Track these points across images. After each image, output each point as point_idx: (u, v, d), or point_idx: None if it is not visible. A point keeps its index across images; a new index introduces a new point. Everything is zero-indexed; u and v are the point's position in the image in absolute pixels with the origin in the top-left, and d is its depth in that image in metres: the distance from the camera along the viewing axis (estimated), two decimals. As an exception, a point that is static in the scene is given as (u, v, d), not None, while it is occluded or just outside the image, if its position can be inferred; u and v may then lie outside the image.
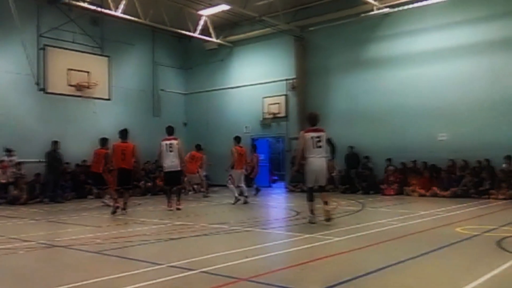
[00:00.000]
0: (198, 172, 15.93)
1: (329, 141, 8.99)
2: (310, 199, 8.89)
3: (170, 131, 12.08)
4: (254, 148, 17.52)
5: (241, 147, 13.67)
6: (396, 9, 16.35)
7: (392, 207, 12.44)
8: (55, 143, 15.09)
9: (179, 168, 11.92)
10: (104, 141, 13.24)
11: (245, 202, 13.14)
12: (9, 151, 15.32)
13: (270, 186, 20.79)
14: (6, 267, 5.90)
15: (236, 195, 13.21)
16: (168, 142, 11.82)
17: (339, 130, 16.68)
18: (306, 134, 8.82)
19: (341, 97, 18.20)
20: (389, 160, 16.41)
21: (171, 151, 11.74)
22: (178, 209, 11.68)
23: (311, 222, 8.80)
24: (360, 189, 16.47)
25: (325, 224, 8.67)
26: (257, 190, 16.40)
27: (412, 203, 13.30)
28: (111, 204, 11.93)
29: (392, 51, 17.02)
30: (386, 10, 16.45)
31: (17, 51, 14.96)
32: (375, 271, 5.16)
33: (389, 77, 17.02)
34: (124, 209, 11.24)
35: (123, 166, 11.15)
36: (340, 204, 12.41)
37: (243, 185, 13.55)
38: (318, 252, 6.36)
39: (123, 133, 11.37)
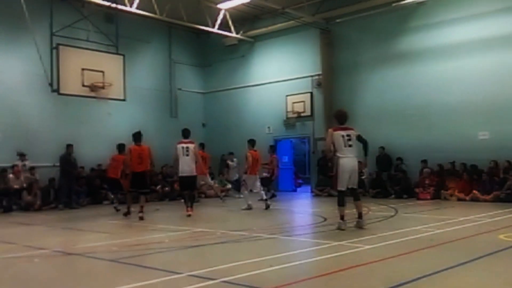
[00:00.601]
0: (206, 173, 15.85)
1: (360, 138, 9.00)
2: (342, 203, 8.87)
3: (186, 134, 12.31)
4: (272, 149, 17.51)
5: (255, 150, 13.77)
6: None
7: (428, 212, 12.27)
8: (69, 146, 15.39)
9: (194, 173, 12.14)
10: (122, 147, 13.54)
11: (267, 207, 13.15)
12: (22, 155, 15.69)
13: (294, 191, 20.76)
14: (21, 276, 6.04)
15: (249, 202, 13.26)
16: (184, 145, 12.02)
17: (369, 130, 16.46)
18: (336, 132, 8.82)
19: (371, 94, 18.05)
20: (424, 161, 16.19)
21: (187, 155, 11.96)
22: (189, 215, 11.77)
23: (340, 229, 8.75)
24: (392, 193, 16.31)
25: (355, 230, 8.62)
26: (272, 195, 16.42)
27: (450, 208, 13.09)
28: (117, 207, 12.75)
29: (426, 43, 16.79)
30: (420, -2, 16.26)
31: (29, 51, 15.30)
32: (409, 282, 5.10)
33: (424, 71, 16.78)
34: (140, 212, 11.41)
35: (140, 170, 11.47)
36: (371, 210, 12.31)
37: (260, 190, 13.66)
38: (347, 261, 6.32)
39: (138, 136, 11.71)
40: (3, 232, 10.05)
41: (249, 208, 13.16)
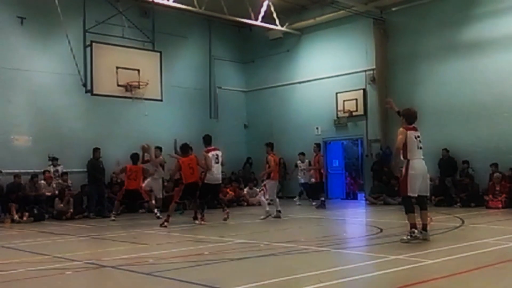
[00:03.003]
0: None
1: None
2: (412, 209, 8.66)
3: (210, 140, 13.07)
4: (318, 147, 17.35)
5: (274, 154, 14.09)
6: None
7: (500, 223, 11.86)
8: (96, 150, 15.66)
9: (220, 181, 13.27)
10: (136, 157, 14.34)
11: (278, 217, 13.44)
12: (54, 160, 16.17)
13: (349, 198, 20.50)
14: (51, 289, 6.20)
15: (267, 209, 13.47)
16: (214, 153, 12.81)
17: (431, 130, 16.18)
18: (409, 131, 8.74)
19: (432, 90, 17.62)
20: (494, 165, 15.68)
21: (217, 162, 12.75)
22: (203, 223, 12.52)
23: (413, 238, 8.43)
24: (458, 201, 15.86)
25: (416, 243, 8.39)
26: (322, 204, 16.29)
27: (526, 218, 12.62)
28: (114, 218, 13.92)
29: (496, 32, 16.26)
30: (488, -19, 15.78)
31: (61, 49, 15.82)
32: (479, 302, 4.90)
33: (493, 63, 16.27)
34: (202, 218, 12.66)
35: (193, 180, 12.50)
36: (434, 219, 11.99)
37: (276, 197, 13.99)
38: (408, 277, 6.15)
39: (185, 149, 12.69)
40: (34, 243, 10.36)
41: (269, 215, 13.35)
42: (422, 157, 8.81)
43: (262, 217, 13.35)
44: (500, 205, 14.82)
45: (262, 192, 13.78)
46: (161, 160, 15.62)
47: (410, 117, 8.98)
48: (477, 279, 6.11)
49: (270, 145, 14.21)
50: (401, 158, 8.75)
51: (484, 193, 15.56)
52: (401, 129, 8.84)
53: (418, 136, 8.80)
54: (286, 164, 19.86)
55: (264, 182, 13.79)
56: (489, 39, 16.40)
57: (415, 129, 8.87)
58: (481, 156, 16.14)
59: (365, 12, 18.71)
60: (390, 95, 18.36)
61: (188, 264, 7.38)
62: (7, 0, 16.69)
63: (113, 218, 14.08)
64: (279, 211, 13.63)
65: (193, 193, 12.72)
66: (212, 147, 12.91)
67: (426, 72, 17.85)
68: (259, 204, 17.41)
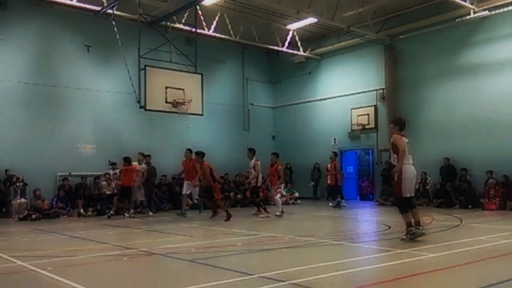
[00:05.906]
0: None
1: None
2: (406, 209, 8.27)
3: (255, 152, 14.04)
4: (335, 155, 17.23)
5: (279, 163, 14.17)
6: (495, 12, 15.37)
7: (494, 222, 11.60)
8: (146, 157, 15.69)
9: None
10: (129, 160, 14.29)
11: (282, 213, 13.71)
12: (113, 164, 16.56)
13: (367, 199, 20.26)
14: (112, 272, 6.41)
15: (281, 208, 13.74)
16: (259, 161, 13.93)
17: (434, 142, 16.03)
18: (402, 138, 8.47)
19: (435, 107, 17.38)
20: (490, 172, 15.33)
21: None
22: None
23: (412, 235, 8.11)
24: (457, 203, 15.57)
25: (419, 239, 8.31)
26: (338, 204, 16.30)
27: (517, 219, 12.31)
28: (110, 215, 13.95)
29: (492, 56, 15.97)
30: (485, 13, 15.52)
31: (120, 72, 16.22)
32: (474, 291, 4.86)
33: (489, 84, 15.96)
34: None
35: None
36: (435, 219, 11.83)
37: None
38: (412, 268, 6.13)
39: (203, 155, 13.51)
40: (98, 233, 10.66)
41: (282, 212, 13.60)
42: (412, 162, 8.46)
43: (278, 213, 13.45)
44: (494, 207, 14.48)
45: (279, 194, 13.82)
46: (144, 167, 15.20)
47: (402, 125, 8.69)
48: (473, 270, 6.04)
49: (277, 155, 14.24)
50: (395, 162, 8.37)
51: (480, 196, 15.20)
52: (396, 135, 8.49)
53: (408, 142, 8.51)
54: (320, 169, 19.91)
55: (278, 186, 13.74)
56: (485, 64, 16.10)
57: (405, 136, 8.57)
58: (478, 164, 15.81)
59: (377, 39, 18.62)
60: (398, 111, 18.26)
61: (224, 253, 7.50)
62: (76, 31, 17.20)
63: (109, 215, 14.03)
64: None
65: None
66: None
67: (430, 92, 17.61)
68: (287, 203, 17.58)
